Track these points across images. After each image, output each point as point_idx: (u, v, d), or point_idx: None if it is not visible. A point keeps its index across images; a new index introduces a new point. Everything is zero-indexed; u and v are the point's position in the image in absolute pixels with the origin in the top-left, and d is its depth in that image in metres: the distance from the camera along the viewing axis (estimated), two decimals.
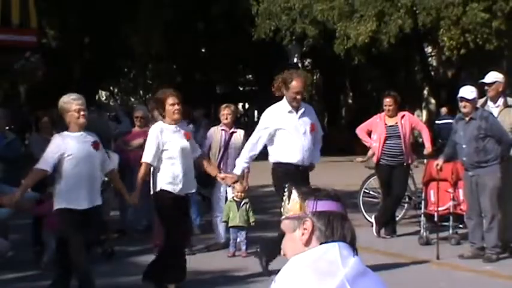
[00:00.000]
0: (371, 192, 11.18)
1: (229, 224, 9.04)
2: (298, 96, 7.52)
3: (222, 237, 9.50)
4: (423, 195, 9.91)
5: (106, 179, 7.66)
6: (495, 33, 19.61)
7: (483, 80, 8.97)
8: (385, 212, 10.29)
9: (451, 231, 9.51)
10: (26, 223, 9.18)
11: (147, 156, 7.14)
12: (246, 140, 8.20)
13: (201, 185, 8.90)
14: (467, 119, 8.54)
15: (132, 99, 46.07)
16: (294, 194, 2.55)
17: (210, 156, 9.25)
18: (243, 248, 8.98)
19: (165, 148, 7.10)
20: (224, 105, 9.76)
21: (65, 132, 6.68)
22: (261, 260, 7.76)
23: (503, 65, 22.74)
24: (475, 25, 19.34)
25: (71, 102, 6.61)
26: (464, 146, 8.58)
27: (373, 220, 10.29)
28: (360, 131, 10.67)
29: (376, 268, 7.25)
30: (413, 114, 14.91)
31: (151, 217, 9.35)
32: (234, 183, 8.27)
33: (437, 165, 9.04)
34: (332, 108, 34.79)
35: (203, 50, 33.64)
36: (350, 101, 38.76)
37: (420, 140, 11.84)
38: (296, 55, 26.15)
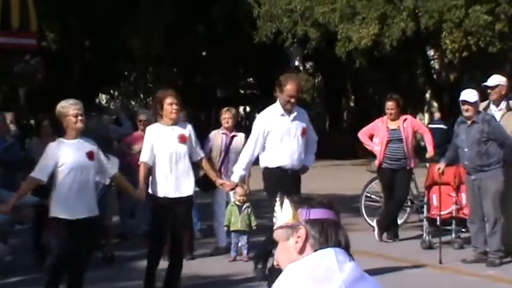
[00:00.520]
0: (373, 196, 11.13)
1: (231, 228, 8.99)
2: (292, 100, 7.49)
3: (224, 241, 9.45)
4: (425, 199, 9.87)
5: (107, 183, 7.62)
6: (498, 35, 19.52)
7: (486, 83, 8.94)
8: (387, 216, 10.23)
9: (453, 235, 9.47)
10: (26, 227, 9.14)
11: (144, 156, 7.15)
12: None
13: (202, 189, 8.85)
14: (469, 122, 8.49)
15: (133, 103, 46.00)
16: (286, 203, 2.52)
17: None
18: (244, 252, 8.93)
19: (157, 150, 7.08)
20: (225, 109, 9.72)
21: (61, 139, 6.66)
22: (256, 265, 7.74)
23: (506, 68, 22.66)
24: (478, 28, 19.25)
25: (69, 107, 6.60)
26: (466, 150, 8.53)
27: (375, 224, 10.25)
28: (362, 134, 10.61)
29: (378, 272, 7.22)
30: (415, 117, 14.87)
31: None
32: (231, 190, 8.24)
33: (439, 169, 8.99)
34: (334, 111, 34.70)
35: (204, 53, 33.61)
36: (352, 104, 38.68)
37: (422, 143, 11.78)
38: (297, 58, 26.12)
